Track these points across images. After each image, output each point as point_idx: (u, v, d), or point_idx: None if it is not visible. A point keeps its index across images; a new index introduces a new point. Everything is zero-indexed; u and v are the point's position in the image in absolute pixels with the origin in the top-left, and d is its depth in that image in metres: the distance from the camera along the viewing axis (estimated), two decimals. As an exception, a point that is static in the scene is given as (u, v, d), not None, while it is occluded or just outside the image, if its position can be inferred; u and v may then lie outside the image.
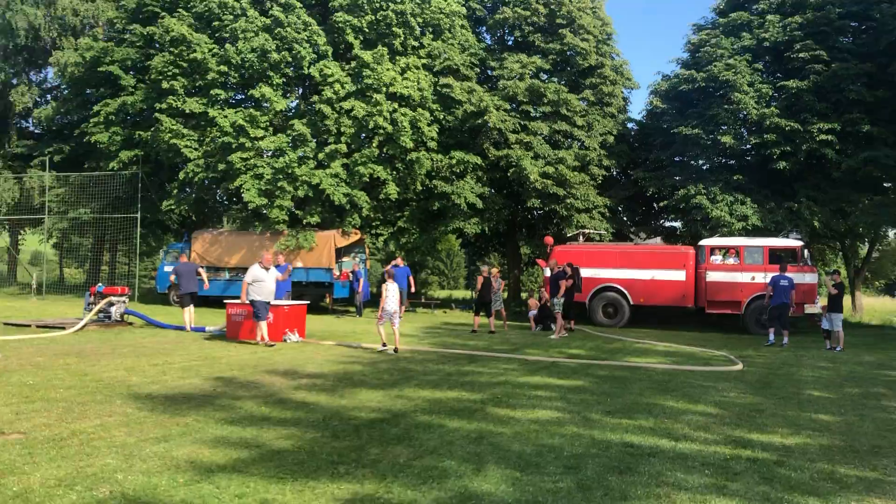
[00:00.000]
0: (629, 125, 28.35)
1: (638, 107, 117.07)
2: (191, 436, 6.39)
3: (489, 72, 27.33)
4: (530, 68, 25.28)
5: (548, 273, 18.96)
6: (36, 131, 33.21)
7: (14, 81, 31.34)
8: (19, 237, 35.90)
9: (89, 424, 6.68)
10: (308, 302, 17.27)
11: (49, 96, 32.63)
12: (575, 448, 6.39)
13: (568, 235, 23.84)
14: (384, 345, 13.28)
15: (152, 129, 23.96)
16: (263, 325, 13.66)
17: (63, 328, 15.57)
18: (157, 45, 25.06)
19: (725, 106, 22.90)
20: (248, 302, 13.80)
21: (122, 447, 5.94)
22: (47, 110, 29.14)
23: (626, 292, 20.73)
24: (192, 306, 16.91)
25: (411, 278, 22.49)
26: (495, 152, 24.21)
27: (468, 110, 24.16)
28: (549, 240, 22.05)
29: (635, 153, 26.98)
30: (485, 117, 23.78)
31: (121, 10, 27.11)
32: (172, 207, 24.79)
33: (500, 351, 13.78)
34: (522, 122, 24.55)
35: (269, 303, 13.90)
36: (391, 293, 13.35)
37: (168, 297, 25.45)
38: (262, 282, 13.76)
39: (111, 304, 17.24)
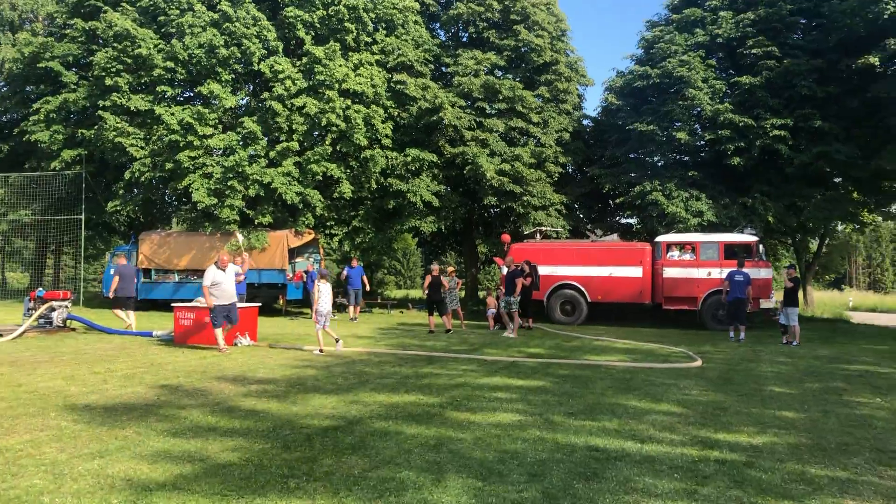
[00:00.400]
0: (584, 122, 28.35)
1: (593, 104, 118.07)
2: (129, 450, 5.94)
3: (444, 68, 27.05)
4: (485, 65, 25.05)
5: (505, 271, 18.74)
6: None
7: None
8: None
9: (17, 440, 6.18)
10: (260, 304, 16.74)
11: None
12: (538, 453, 6.12)
13: (525, 233, 23.70)
14: (320, 350, 13.03)
15: (96, 127, 23.08)
16: (219, 332, 13.10)
17: (0, 335, 14.82)
18: (101, 41, 24.18)
19: (680, 102, 22.98)
20: (210, 307, 13.24)
21: (53, 465, 5.48)
22: (-18, 109, 27.93)
23: (583, 289, 20.64)
24: (132, 312, 16.46)
25: (365, 278, 22.07)
26: (451, 150, 23.93)
27: (423, 107, 23.83)
28: (507, 238, 21.85)
29: (591, 150, 26.96)
30: (440, 114, 23.47)
31: (61, 3, 26.18)
32: (118, 208, 23.92)
33: (458, 351, 13.49)
34: (478, 119, 24.31)
35: (230, 305, 13.35)
36: (324, 294, 13.27)
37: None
38: (220, 283, 13.20)
39: (52, 308, 16.49)
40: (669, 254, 20.35)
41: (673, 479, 5.51)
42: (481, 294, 27.44)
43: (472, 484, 5.25)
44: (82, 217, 24.83)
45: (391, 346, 14.37)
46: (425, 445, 6.30)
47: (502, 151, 23.89)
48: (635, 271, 20.38)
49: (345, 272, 22.04)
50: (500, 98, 24.36)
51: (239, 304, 14.44)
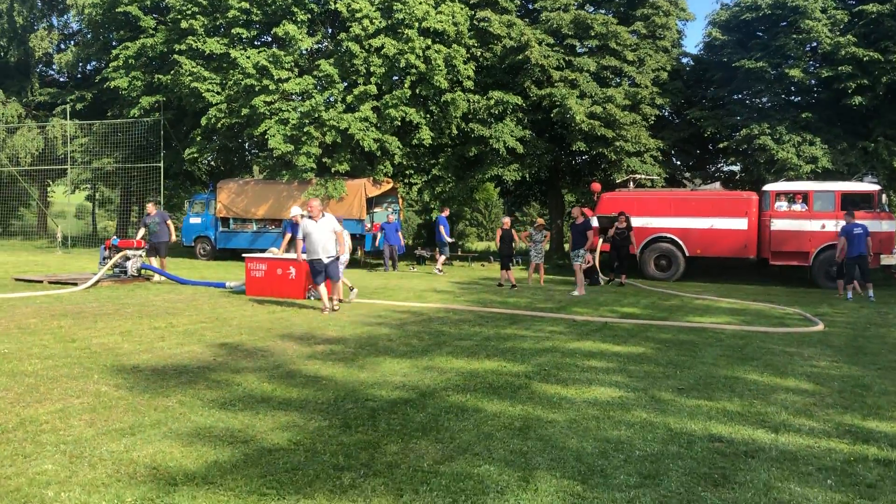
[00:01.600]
0: (684, 60, 26.13)
1: (693, 40, 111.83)
2: (165, 426, 5.12)
3: (530, 5, 25.33)
4: (575, -1, 23.27)
5: (594, 223, 17.36)
6: (61, 79, 32.20)
7: (35, 27, 30.16)
8: (47, 189, 35.22)
9: (47, 409, 5.45)
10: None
11: (71, 42, 31.41)
12: (648, 444, 4.99)
13: (617, 181, 22.10)
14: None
15: (172, 72, 22.63)
16: (322, 289, 11.56)
17: (76, 284, 14.57)
18: (176, -18, 23.58)
19: (794, 35, 20.68)
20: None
21: (75, 444, 4.69)
22: (67, 55, 27.98)
23: (681, 243, 19.03)
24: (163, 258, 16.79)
25: (442, 229, 20.81)
26: (537, 91, 22.40)
27: (507, 45, 22.33)
28: (597, 186, 20.37)
29: (691, 91, 24.87)
30: (526, 53, 21.89)
31: (138, -54, 25.58)
32: (195, 156, 23.57)
33: (543, 310, 12.35)
34: (567, 58, 22.64)
35: (323, 260, 11.61)
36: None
37: (195, 250, 24.51)
38: (310, 235, 11.67)
39: (126, 258, 16.21)
40: (778, 204, 18.47)
41: (826, 486, 4.30)
42: (567, 247, 26.06)
43: (568, 488, 4.16)
44: (161, 165, 24.67)
45: (471, 302, 13.36)
46: (509, 428, 5.26)
47: (593, 93, 22.21)
48: (739, 223, 18.61)
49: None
50: (592, 35, 22.56)
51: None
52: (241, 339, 8.63)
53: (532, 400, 6.09)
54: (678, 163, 26.08)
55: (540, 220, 18.10)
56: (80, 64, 28.50)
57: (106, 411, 5.46)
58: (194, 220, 24.46)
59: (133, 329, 9.16)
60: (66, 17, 31.68)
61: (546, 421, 5.47)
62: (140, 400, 5.80)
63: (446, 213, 20.95)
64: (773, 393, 6.57)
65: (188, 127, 25.53)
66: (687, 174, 25.84)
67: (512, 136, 22.14)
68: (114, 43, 26.12)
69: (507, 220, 17.09)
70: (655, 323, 10.96)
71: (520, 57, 22.21)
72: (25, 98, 30.31)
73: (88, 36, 28.77)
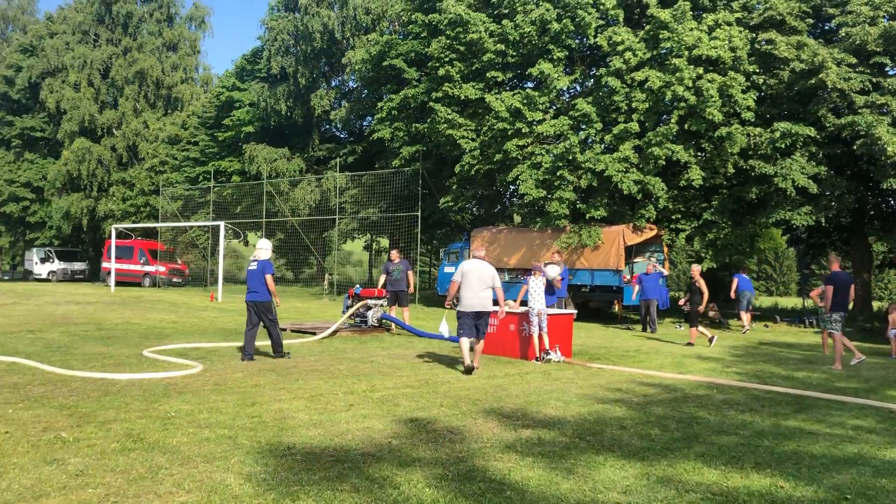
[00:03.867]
0: None
1: None
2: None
3: (825, 25, 21.57)
4: (885, 9, 19.20)
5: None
6: (341, 136, 34.34)
7: (317, 86, 32.50)
8: (325, 238, 37.62)
9: (143, 506, 4.27)
10: (575, 312, 14.07)
11: (345, 101, 33.45)
12: None
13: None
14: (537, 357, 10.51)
15: (429, 119, 22.53)
16: (465, 343, 9.91)
17: (314, 334, 14.32)
18: (438, 32, 23.66)
19: None
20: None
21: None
22: (341, 112, 29.54)
23: None
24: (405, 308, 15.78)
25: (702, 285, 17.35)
26: (835, 121, 18.67)
27: (797, 69, 18.93)
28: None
29: None
30: (820, 76, 18.33)
31: (408, 1, 26.30)
32: (450, 204, 23.14)
33: (845, 392, 9.29)
34: (874, 80, 18.65)
35: (478, 313, 9.98)
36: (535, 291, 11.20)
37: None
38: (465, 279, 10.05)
39: (368, 307, 15.76)
40: None
41: None
42: (876, 306, 21.40)
43: None
44: (419, 213, 24.63)
45: (744, 375, 10.63)
46: None
47: (910, 119, 17.99)
48: None
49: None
50: (909, 49, 18.41)
51: (550, 311, 11.98)
52: (436, 414, 7.10)
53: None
54: None
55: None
56: (353, 119, 30.03)
57: (203, 518, 4.14)
58: (449, 269, 23.95)
59: (327, 392, 8.06)
60: (341, 76, 33.84)
61: None
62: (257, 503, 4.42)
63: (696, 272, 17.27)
64: None
65: (447, 175, 25.38)
66: None
67: (803, 173, 18.57)
68: (382, 97, 27.00)
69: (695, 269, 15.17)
70: None
71: (812, 81, 18.71)
72: (307, 154, 32.69)
73: (363, 94, 30.27)
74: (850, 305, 12.16)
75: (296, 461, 5.31)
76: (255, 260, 10.68)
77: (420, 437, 6.15)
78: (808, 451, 6.13)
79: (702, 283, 14.78)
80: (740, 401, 8.43)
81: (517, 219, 30.14)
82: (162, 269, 36.19)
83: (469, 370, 9.60)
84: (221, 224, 26.63)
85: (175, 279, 36.59)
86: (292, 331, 15.05)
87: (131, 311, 19.26)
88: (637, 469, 5.39)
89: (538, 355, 11.38)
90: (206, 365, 9.66)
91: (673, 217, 20.83)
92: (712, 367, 11.36)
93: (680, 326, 19.49)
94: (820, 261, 38.14)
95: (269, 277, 10.42)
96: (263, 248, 10.83)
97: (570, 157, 19.58)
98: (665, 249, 21.17)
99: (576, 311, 14.86)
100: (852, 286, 11.76)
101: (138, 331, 14.41)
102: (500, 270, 21.88)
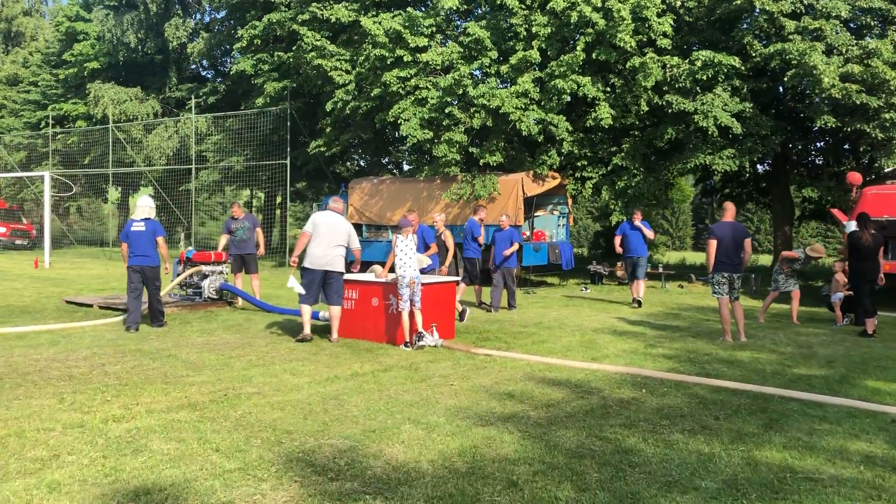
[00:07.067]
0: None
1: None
2: None
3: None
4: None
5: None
6: (205, 74, 29.99)
7: (169, 15, 27.95)
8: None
9: None
10: (458, 279, 11.13)
11: (205, 32, 29.06)
12: None
13: (885, 171, 15.39)
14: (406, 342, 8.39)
15: (294, 48, 18.84)
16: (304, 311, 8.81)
17: (127, 310, 10.80)
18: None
19: None
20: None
21: None
22: (199, 44, 25.26)
23: None
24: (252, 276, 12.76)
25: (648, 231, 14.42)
26: (762, 49, 16.19)
27: (720, -11, 16.33)
28: (856, 177, 13.92)
29: None
30: (746, -4, 15.81)
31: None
32: (322, 149, 19.63)
33: (810, 382, 6.63)
34: (807, 2, 16.26)
35: (327, 272, 8.76)
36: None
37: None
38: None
39: (203, 275, 12.35)
40: None
41: None
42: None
43: None
44: (287, 161, 21.00)
45: (676, 359, 7.86)
46: None
47: (846, 47, 15.69)
48: None
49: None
50: (843, -34, 16.03)
51: (425, 280, 9.01)
52: (193, 473, 3.84)
53: None
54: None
55: (818, 246, 12.08)
56: (218, 55, 25.86)
57: None
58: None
59: (33, 428, 4.60)
60: (200, 4, 29.39)
61: None
62: None
63: (638, 217, 14.27)
64: None
65: (322, 117, 21.78)
66: None
67: (725, 110, 16.04)
68: (243, 25, 22.98)
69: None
70: None
71: (738, 2, 16.15)
72: (164, 95, 28.24)
73: (228, 23, 26.07)
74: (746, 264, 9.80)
75: None
76: (141, 220, 9.69)
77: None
78: (781, 486, 3.29)
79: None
80: (683, 409, 5.63)
81: (407, 168, 26.88)
82: (2, 229, 31.24)
83: (304, 339, 8.51)
84: (46, 175, 22.32)
85: (18, 241, 31.72)
86: (100, 307, 11.51)
87: None
88: None
89: (408, 339, 8.37)
90: None
91: (578, 164, 18.02)
92: (633, 348, 8.59)
93: (585, 289, 16.92)
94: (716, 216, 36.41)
95: (161, 240, 9.80)
96: (147, 206, 9.91)
97: (461, 92, 16.45)
98: (569, 201, 18.47)
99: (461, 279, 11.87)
100: (747, 240, 9.41)
101: None
102: (382, 228, 18.77)
